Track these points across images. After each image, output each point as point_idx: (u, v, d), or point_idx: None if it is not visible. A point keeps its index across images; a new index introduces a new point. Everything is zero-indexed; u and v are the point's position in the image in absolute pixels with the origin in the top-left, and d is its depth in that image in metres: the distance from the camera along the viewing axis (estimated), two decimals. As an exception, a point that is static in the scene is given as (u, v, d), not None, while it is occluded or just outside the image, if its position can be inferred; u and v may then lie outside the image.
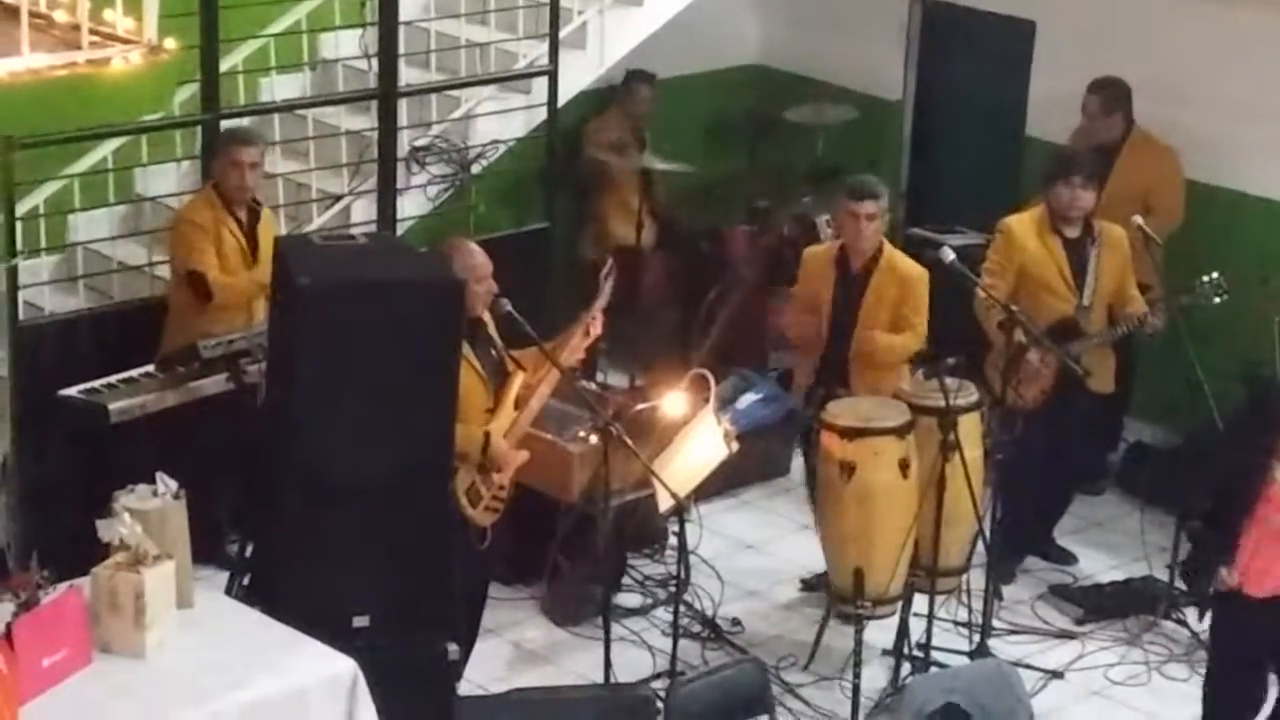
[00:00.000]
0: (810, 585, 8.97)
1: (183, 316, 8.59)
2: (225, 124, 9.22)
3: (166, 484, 6.49)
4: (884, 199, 8.49)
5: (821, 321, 8.51)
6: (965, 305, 8.77)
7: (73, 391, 8.14)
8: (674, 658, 7.99)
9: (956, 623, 8.49)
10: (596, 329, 7.77)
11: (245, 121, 9.96)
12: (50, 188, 9.60)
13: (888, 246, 8.56)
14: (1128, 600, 8.93)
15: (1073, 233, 8.83)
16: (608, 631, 7.74)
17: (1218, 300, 8.72)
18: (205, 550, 7.07)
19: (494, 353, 7.61)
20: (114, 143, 9.61)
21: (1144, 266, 9.20)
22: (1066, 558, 9.40)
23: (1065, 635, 8.79)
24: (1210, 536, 7.49)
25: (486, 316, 7.57)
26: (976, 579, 8.40)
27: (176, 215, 8.89)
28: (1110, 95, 9.95)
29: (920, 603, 8.22)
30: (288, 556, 7.07)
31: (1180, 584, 8.73)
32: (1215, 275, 8.73)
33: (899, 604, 8.14)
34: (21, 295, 8.81)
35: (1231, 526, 7.25)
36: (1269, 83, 9.98)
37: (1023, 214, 8.97)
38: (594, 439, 7.99)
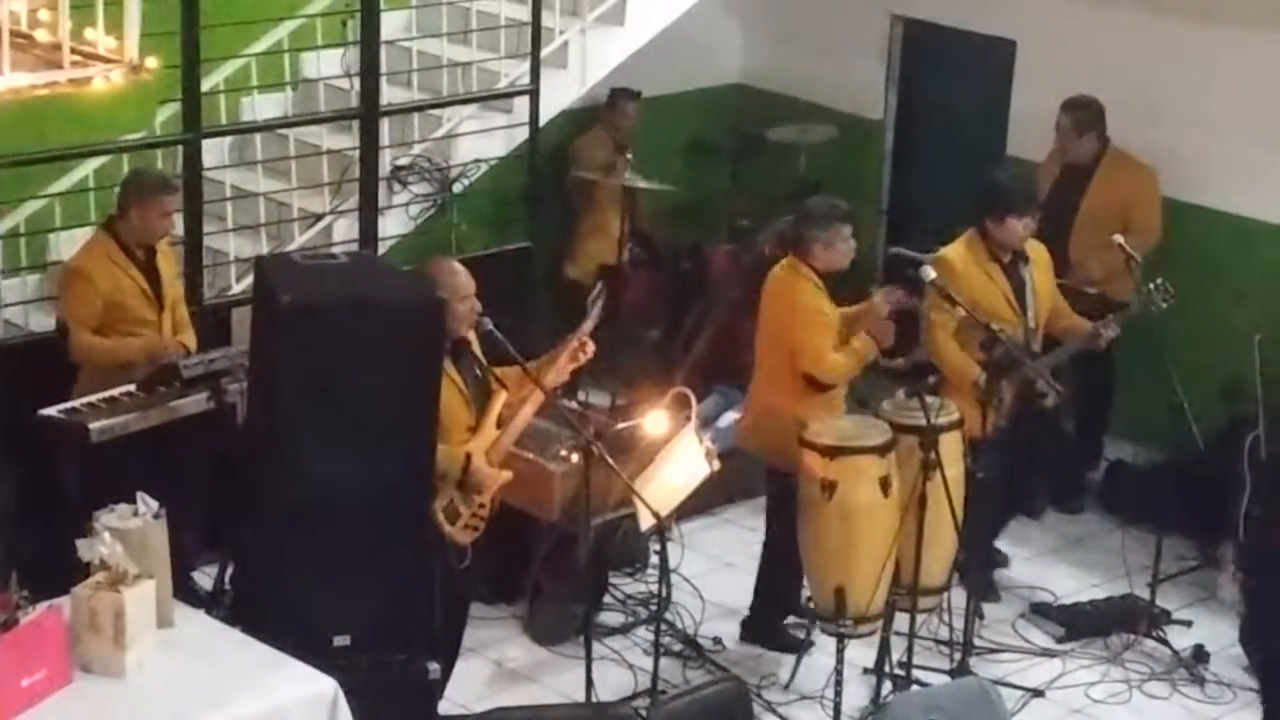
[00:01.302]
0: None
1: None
2: (207, 143, 9.24)
3: (147, 504, 6.49)
4: None
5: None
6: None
7: (53, 411, 8.11)
8: (655, 676, 7.98)
9: (938, 641, 8.49)
10: (587, 353, 7.76)
11: (228, 141, 9.98)
12: (31, 207, 9.61)
13: None
14: (1109, 618, 8.94)
15: (1007, 257, 8.81)
16: (589, 650, 7.73)
17: (1165, 305, 8.70)
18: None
19: (478, 372, 7.60)
20: (95, 162, 9.60)
21: (1124, 285, 9.23)
22: (1002, 561, 9.45)
23: (1046, 654, 8.79)
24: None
25: (471, 335, 7.57)
26: (957, 597, 8.41)
27: (66, 267, 8.64)
28: (1083, 114, 9.97)
29: (901, 621, 8.22)
30: (268, 575, 7.06)
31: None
32: (1160, 281, 8.71)
33: (880, 622, 8.14)
34: (2, 314, 8.81)
35: None
36: (1247, 101, 10.02)
37: (955, 245, 8.82)
38: (575, 458, 7.99)
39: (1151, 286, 8.69)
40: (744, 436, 8.77)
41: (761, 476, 8.83)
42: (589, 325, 7.83)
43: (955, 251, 8.81)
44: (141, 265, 8.45)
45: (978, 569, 8.69)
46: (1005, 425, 8.51)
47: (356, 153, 9.68)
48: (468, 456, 7.37)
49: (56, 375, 8.42)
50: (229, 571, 7.77)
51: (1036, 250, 8.87)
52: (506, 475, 7.55)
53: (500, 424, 7.56)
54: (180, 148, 9.20)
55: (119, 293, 8.38)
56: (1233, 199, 10.13)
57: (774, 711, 8.21)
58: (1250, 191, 10.07)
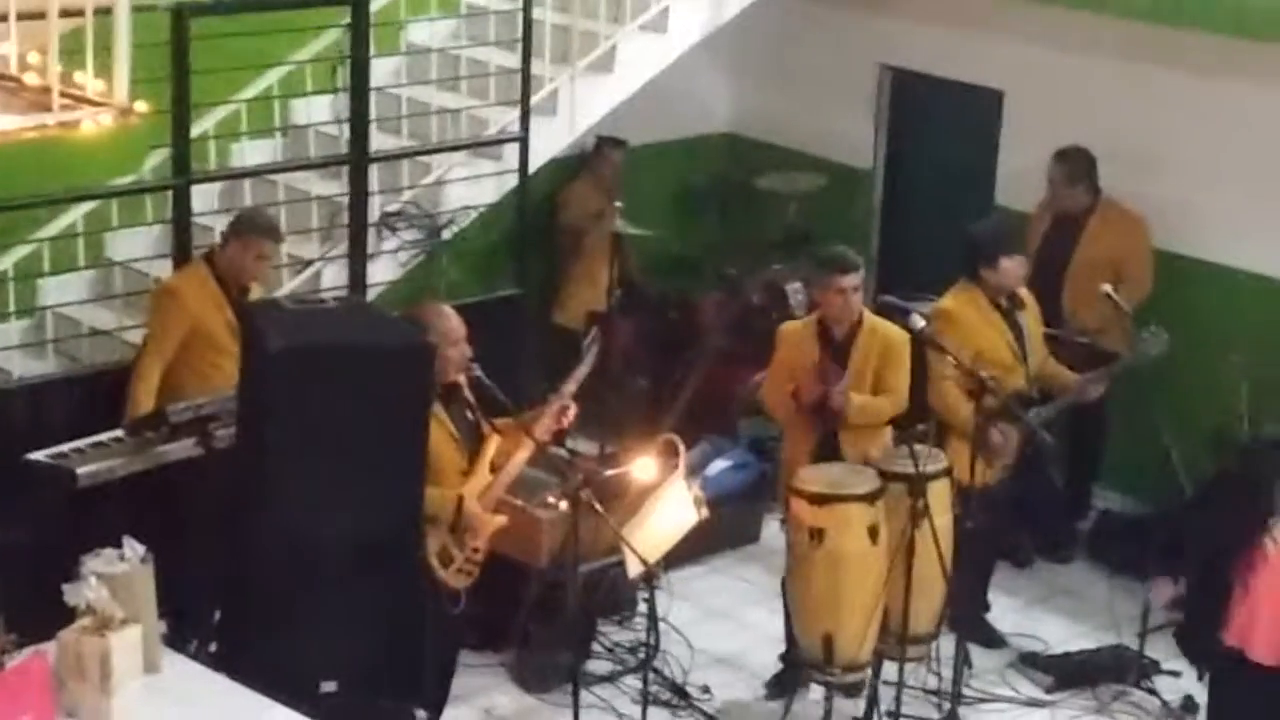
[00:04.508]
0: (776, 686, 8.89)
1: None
2: (196, 189, 9.21)
3: (134, 548, 6.46)
4: (863, 269, 8.48)
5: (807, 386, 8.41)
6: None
7: (41, 456, 8.08)
8: (643, 725, 7.97)
9: (926, 690, 8.47)
10: (569, 417, 7.76)
11: (217, 187, 9.97)
12: (20, 251, 9.59)
13: (867, 313, 8.51)
14: (1097, 668, 8.92)
15: (1005, 302, 8.82)
16: (577, 698, 7.71)
17: (1158, 352, 8.73)
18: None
19: (469, 416, 7.59)
20: (84, 206, 9.61)
21: (1116, 336, 9.23)
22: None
23: (1035, 704, 8.77)
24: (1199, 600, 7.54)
25: (462, 380, 7.56)
26: (946, 646, 8.38)
27: (159, 285, 8.84)
28: (1074, 165, 10.00)
29: (890, 670, 8.19)
30: (255, 621, 7.03)
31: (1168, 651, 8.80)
32: (1153, 327, 8.75)
33: (868, 671, 8.11)
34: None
35: (1224, 592, 7.31)
36: (1237, 152, 10.04)
37: (955, 298, 8.81)
38: (563, 505, 7.97)
39: (1147, 334, 8.72)
40: None
41: (751, 524, 8.78)
42: (584, 370, 7.82)
43: (957, 303, 8.78)
44: (232, 301, 8.53)
45: (974, 618, 8.66)
46: (1004, 477, 8.48)
47: (346, 199, 9.67)
48: (459, 499, 7.35)
49: (44, 420, 8.40)
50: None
51: (1027, 296, 8.90)
52: (500, 519, 7.54)
53: (494, 469, 7.56)
54: (169, 193, 9.19)
55: (206, 320, 8.48)
56: (1221, 250, 10.14)
57: (762, 760, 8.20)
58: (1238, 243, 10.08)
